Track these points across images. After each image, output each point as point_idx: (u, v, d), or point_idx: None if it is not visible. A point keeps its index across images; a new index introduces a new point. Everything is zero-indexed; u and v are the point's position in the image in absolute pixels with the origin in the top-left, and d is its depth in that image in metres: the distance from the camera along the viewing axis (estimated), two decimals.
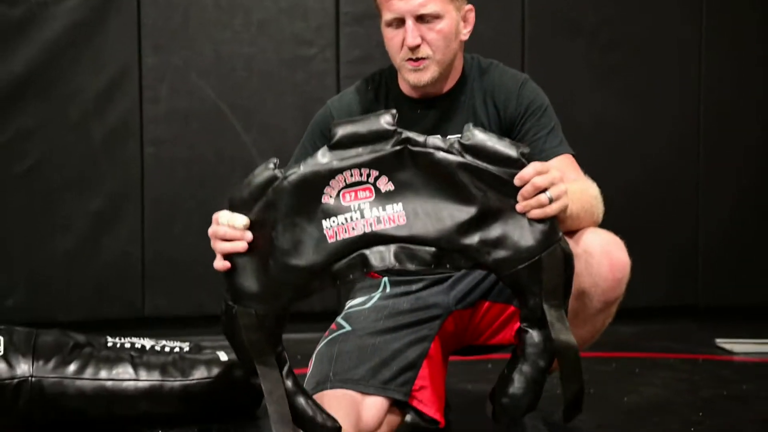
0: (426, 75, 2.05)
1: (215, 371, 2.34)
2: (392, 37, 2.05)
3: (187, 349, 2.41)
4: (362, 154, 1.72)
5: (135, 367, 2.31)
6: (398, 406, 2.04)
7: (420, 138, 1.73)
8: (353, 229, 1.72)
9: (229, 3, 3.49)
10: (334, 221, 1.72)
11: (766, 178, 3.81)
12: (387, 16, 2.04)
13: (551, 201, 1.69)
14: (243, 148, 3.49)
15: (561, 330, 1.74)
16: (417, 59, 2.03)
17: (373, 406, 1.99)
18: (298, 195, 1.72)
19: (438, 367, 2.13)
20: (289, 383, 1.82)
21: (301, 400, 1.82)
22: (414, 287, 2.20)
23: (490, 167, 1.71)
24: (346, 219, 1.72)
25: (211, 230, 1.74)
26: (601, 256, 1.92)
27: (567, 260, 1.75)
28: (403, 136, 1.73)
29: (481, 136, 1.73)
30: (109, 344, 2.38)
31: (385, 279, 2.24)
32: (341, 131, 1.73)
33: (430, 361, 2.09)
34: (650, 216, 3.60)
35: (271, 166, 1.73)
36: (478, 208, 1.72)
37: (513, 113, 2.09)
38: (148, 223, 3.46)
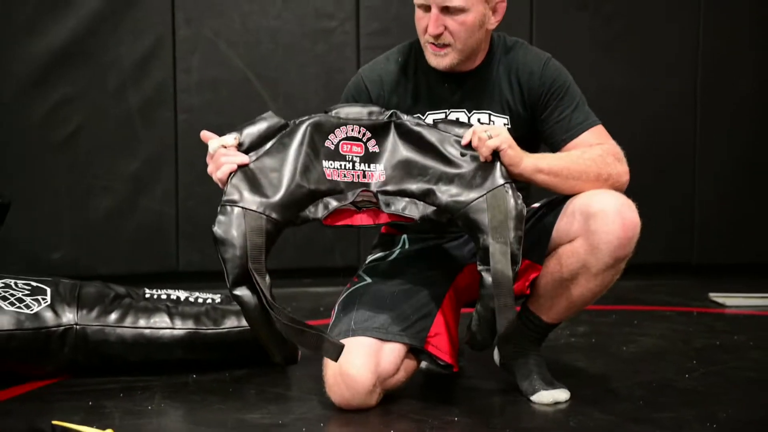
0: (445, 60, 2.03)
1: (245, 321, 2.35)
2: (419, 19, 2.03)
3: (218, 300, 2.43)
4: (363, 118, 1.97)
5: (171, 316, 2.32)
6: (414, 352, 2.05)
7: (401, 115, 1.99)
8: (344, 176, 1.95)
9: None
10: (332, 164, 1.95)
11: (761, 144, 3.78)
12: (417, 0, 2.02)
13: (490, 138, 1.87)
14: None
15: (500, 261, 1.83)
16: (438, 45, 2.01)
17: (391, 352, 2.00)
18: (312, 133, 1.94)
19: (452, 317, 2.13)
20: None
21: (279, 309, 1.84)
22: (431, 243, 2.20)
23: (452, 128, 1.97)
24: (341, 165, 1.95)
25: (208, 156, 1.91)
26: (615, 215, 1.92)
27: (514, 200, 1.88)
28: (393, 115, 1.99)
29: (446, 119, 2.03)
30: (147, 295, 2.40)
31: (405, 236, 2.24)
32: (344, 111, 1.99)
33: (444, 311, 2.10)
34: (649, 178, 3.58)
35: (274, 115, 1.96)
36: (439, 166, 1.94)
37: (536, 91, 2.07)
38: (182, 184, 3.47)
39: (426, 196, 1.92)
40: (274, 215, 1.86)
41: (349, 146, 1.96)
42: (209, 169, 1.92)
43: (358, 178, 1.95)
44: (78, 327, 2.24)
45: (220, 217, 1.84)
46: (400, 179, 1.94)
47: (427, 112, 2.07)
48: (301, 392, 2.14)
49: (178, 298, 2.41)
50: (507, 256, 1.83)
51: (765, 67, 3.75)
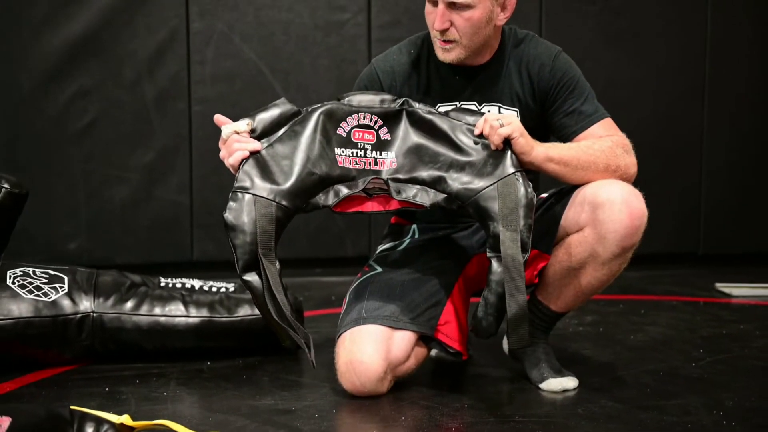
0: (451, 55, 2.02)
1: (257, 309, 2.36)
2: (428, 13, 2.02)
3: (232, 289, 2.43)
4: (375, 106, 1.95)
5: (186, 304, 2.33)
6: (424, 340, 2.05)
7: (413, 103, 1.97)
8: (356, 163, 1.93)
9: None
10: (343, 151, 1.93)
11: (767, 135, 3.76)
12: None
13: (502, 126, 1.87)
14: None
15: (510, 247, 1.83)
16: (445, 41, 2.01)
17: (402, 339, 2.00)
18: (324, 121, 1.93)
19: (461, 306, 2.13)
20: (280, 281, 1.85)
21: (283, 297, 1.84)
22: (441, 233, 2.20)
23: (465, 117, 1.95)
24: (352, 153, 1.94)
25: (221, 142, 1.90)
26: (622, 205, 1.92)
27: (525, 188, 1.87)
28: (405, 103, 1.97)
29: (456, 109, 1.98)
30: (162, 284, 2.41)
31: (415, 226, 2.24)
32: (356, 99, 1.97)
33: (453, 299, 2.10)
34: (656, 169, 3.57)
35: (287, 102, 1.95)
36: (450, 153, 1.93)
37: (546, 84, 2.06)
38: (196, 175, 3.47)
39: (437, 184, 1.92)
40: (284, 202, 1.86)
41: (361, 134, 1.94)
42: (221, 155, 1.91)
43: (370, 165, 1.93)
44: (95, 315, 2.25)
45: (231, 204, 1.84)
46: (412, 167, 1.93)
47: (438, 104, 2.06)
48: (313, 379, 2.15)
49: (192, 286, 2.42)
50: (517, 243, 1.82)
51: None
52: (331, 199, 1.91)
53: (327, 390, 2.06)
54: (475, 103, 2.08)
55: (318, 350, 2.22)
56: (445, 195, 1.91)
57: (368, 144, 1.94)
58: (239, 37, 3.46)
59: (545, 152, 1.92)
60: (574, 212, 1.99)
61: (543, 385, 2.05)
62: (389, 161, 1.94)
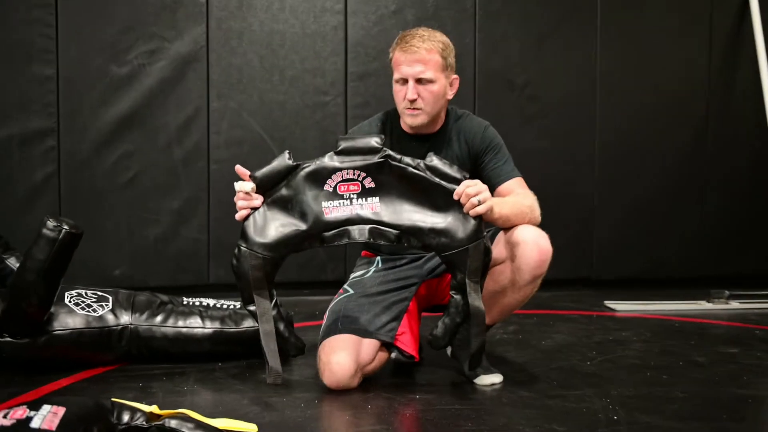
0: (418, 119, 2.03)
1: None
2: (398, 91, 2.04)
3: (239, 306, 2.40)
4: (356, 160, 1.77)
5: (202, 318, 2.30)
6: (386, 347, 2.04)
7: (398, 156, 1.79)
8: (343, 211, 1.79)
9: (270, 65, 3.46)
10: (330, 203, 1.79)
11: (655, 187, 3.80)
12: (396, 75, 2.03)
13: (479, 203, 1.78)
14: None
15: (476, 298, 1.79)
16: (413, 108, 2.02)
17: (369, 345, 1.99)
18: (309, 181, 1.79)
19: (414, 319, 2.12)
20: (274, 312, 1.82)
21: (281, 324, 1.83)
22: (399, 263, 2.20)
23: (441, 182, 1.78)
24: (339, 203, 1.80)
25: (235, 197, 1.86)
26: (533, 244, 1.93)
27: (486, 252, 1.80)
28: (387, 153, 1.79)
29: (437, 162, 1.81)
30: (185, 302, 2.38)
31: (379, 257, 2.23)
32: (344, 144, 1.80)
33: (409, 314, 2.09)
34: (556, 214, 3.60)
35: (286, 155, 1.83)
36: (430, 207, 1.79)
37: (478, 149, 2.09)
38: (212, 218, 3.43)
39: (415, 235, 1.80)
40: (270, 254, 1.79)
41: (346, 186, 1.80)
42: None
43: (355, 209, 1.81)
44: (132, 326, 2.21)
45: (235, 254, 1.82)
46: (393, 214, 1.80)
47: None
48: (300, 377, 2.12)
49: (208, 304, 2.39)
50: (479, 293, 1.80)
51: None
52: (317, 243, 1.83)
53: (311, 385, 2.03)
54: (411, 158, 2.02)
55: (305, 355, 2.21)
56: (421, 244, 1.80)
57: (354, 194, 1.80)
58: (247, 113, 3.46)
59: (498, 212, 1.89)
60: (498, 250, 2.00)
61: (476, 381, 2.04)
62: (373, 205, 1.81)
